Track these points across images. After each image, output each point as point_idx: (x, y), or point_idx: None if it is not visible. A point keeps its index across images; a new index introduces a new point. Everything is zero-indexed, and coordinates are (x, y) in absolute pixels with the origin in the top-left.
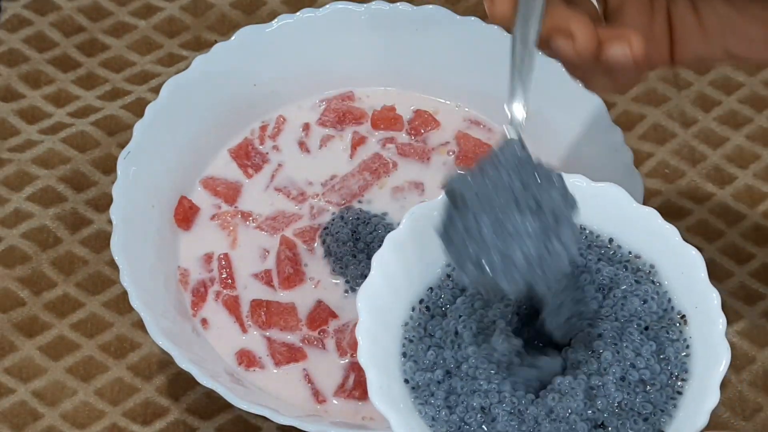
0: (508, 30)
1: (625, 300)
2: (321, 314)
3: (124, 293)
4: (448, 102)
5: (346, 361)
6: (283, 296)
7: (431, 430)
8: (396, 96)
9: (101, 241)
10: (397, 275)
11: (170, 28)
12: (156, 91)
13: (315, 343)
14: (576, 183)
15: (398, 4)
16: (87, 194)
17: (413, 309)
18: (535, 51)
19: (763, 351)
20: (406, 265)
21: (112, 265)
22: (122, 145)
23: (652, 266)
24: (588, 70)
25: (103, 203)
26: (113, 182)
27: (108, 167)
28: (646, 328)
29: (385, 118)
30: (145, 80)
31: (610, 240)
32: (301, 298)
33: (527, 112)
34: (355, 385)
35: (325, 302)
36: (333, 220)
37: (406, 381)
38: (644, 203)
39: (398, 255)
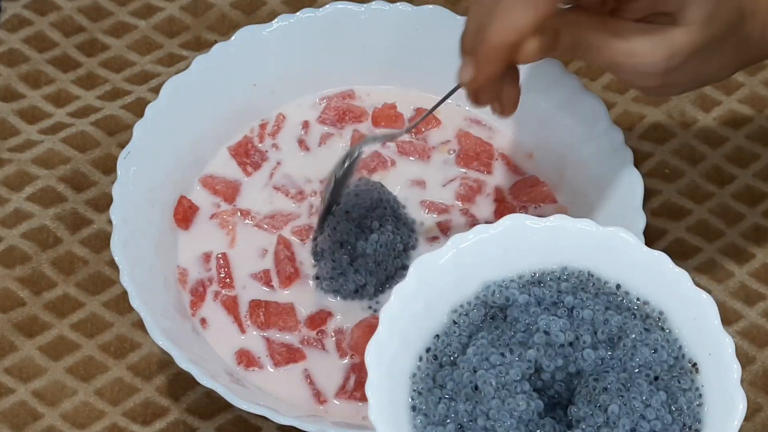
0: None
1: (635, 350)
2: (320, 315)
3: (124, 293)
4: (449, 101)
5: (347, 362)
6: (283, 295)
7: None
8: (397, 94)
9: (101, 241)
10: (405, 327)
11: (170, 28)
12: (156, 91)
13: (314, 343)
14: (583, 228)
15: (398, 4)
16: (87, 194)
17: (420, 359)
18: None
19: (763, 351)
20: (412, 315)
21: (112, 265)
22: (122, 145)
23: (661, 312)
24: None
25: (103, 203)
26: (113, 182)
27: (108, 167)
28: (656, 378)
29: (386, 116)
30: (145, 80)
31: (618, 286)
32: (301, 298)
33: None
34: (356, 386)
35: (324, 302)
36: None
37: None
38: (644, 203)
39: (406, 307)
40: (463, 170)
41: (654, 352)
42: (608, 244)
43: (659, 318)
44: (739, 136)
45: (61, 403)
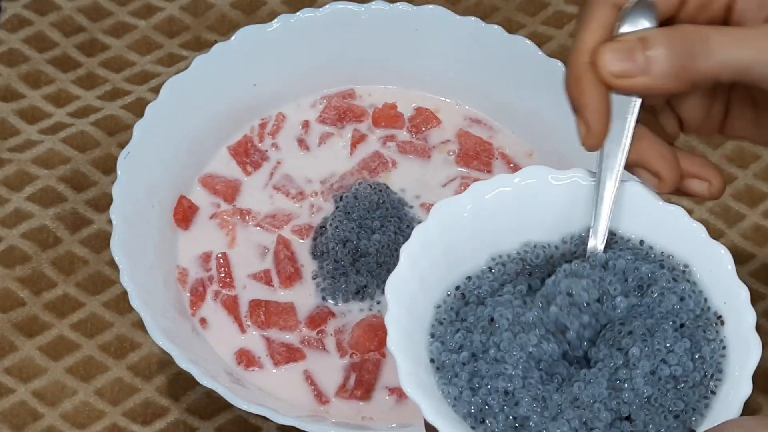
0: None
1: (663, 297)
2: (320, 314)
3: (124, 293)
4: (449, 100)
5: (347, 361)
6: (283, 295)
7: (453, 410)
8: (397, 94)
9: (101, 241)
10: (427, 265)
11: (170, 28)
12: (156, 91)
13: (314, 344)
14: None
15: (398, 4)
16: (87, 194)
17: (448, 294)
18: (617, 182)
19: (763, 351)
20: (435, 256)
21: (112, 265)
22: (122, 145)
23: (686, 265)
24: None
25: (103, 203)
26: (113, 182)
27: (108, 167)
28: (682, 326)
29: (386, 116)
30: (145, 80)
31: (641, 242)
32: (301, 298)
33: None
34: (357, 385)
35: (324, 302)
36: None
37: (432, 360)
38: None
39: (426, 249)
40: (464, 170)
41: (681, 300)
42: (626, 197)
43: (684, 270)
44: None
45: (61, 403)
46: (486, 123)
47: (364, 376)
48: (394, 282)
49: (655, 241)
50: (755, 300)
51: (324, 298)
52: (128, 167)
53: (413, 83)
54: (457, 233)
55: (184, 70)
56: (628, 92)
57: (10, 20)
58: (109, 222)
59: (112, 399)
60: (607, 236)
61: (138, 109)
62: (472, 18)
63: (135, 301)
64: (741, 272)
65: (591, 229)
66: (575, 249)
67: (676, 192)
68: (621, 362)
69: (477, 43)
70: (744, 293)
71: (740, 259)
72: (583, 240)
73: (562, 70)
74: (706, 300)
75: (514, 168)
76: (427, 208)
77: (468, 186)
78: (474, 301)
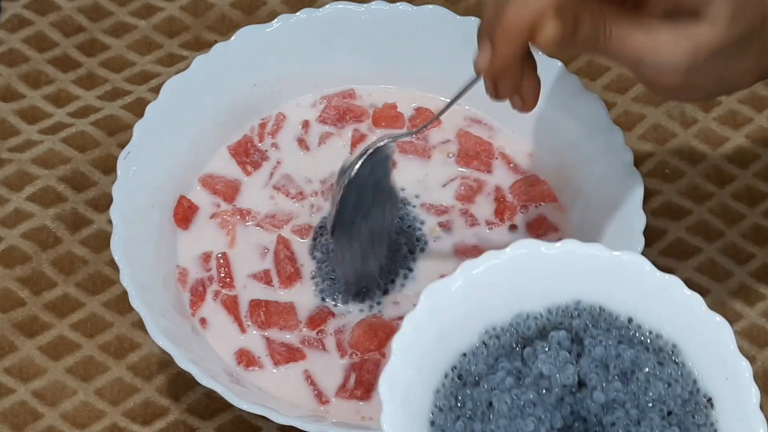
0: None
1: (648, 384)
2: (320, 314)
3: (124, 293)
4: (449, 100)
5: (347, 361)
6: (283, 295)
7: None
8: (397, 94)
9: (101, 241)
10: (421, 351)
11: (170, 28)
12: (156, 91)
13: (314, 344)
14: (594, 253)
15: (398, 4)
16: (87, 194)
17: (446, 375)
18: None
19: (763, 351)
20: (428, 340)
21: (112, 265)
22: (122, 145)
23: (674, 345)
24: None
25: (103, 203)
26: (113, 182)
27: (108, 167)
28: (669, 413)
29: (387, 116)
30: (145, 80)
31: (630, 320)
32: (300, 297)
33: None
34: (357, 385)
35: (324, 302)
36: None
37: None
38: (644, 203)
39: (419, 334)
40: (464, 170)
41: (668, 387)
42: (620, 270)
43: (672, 351)
44: (740, 136)
45: (61, 403)
46: (486, 123)
47: (364, 376)
48: (387, 376)
49: (645, 319)
50: (755, 300)
51: (323, 299)
52: (128, 167)
53: (413, 83)
54: (450, 313)
55: (184, 70)
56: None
57: (10, 20)
58: (109, 222)
59: (112, 399)
60: (595, 312)
61: (138, 109)
62: (472, 18)
63: (135, 302)
64: (741, 272)
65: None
66: (561, 320)
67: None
68: None
69: (476, 44)
70: (746, 369)
71: (740, 259)
72: (567, 312)
73: (562, 70)
74: (695, 382)
75: (515, 168)
76: (427, 207)
77: (468, 185)
78: (471, 382)
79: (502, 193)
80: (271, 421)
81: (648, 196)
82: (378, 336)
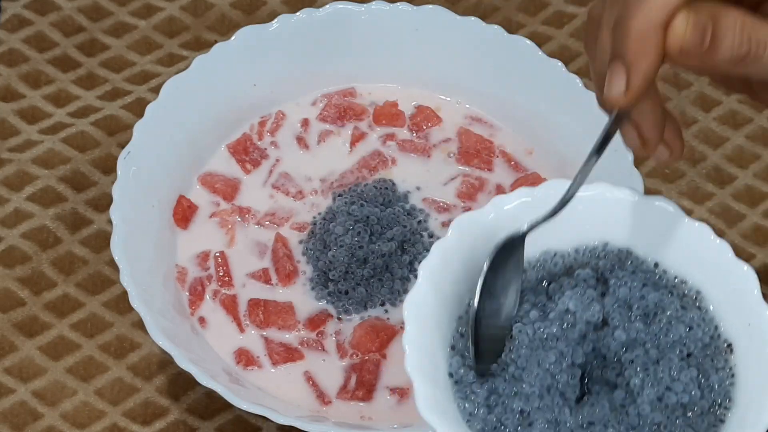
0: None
1: (670, 326)
2: (320, 316)
3: (124, 293)
4: (449, 99)
5: (347, 362)
6: (282, 293)
7: (467, 425)
8: (398, 92)
9: (101, 241)
10: (447, 279)
11: (170, 28)
12: (156, 91)
13: (314, 345)
14: (624, 198)
15: (398, 4)
16: (87, 194)
17: (469, 304)
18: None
19: None
20: (455, 270)
21: (112, 265)
22: (122, 145)
23: (698, 292)
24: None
25: (103, 203)
26: (113, 182)
27: (108, 167)
28: (689, 355)
29: (387, 114)
30: (145, 80)
31: (656, 264)
32: (299, 296)
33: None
34: (358, 386)
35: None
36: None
37: (450, 375)
38: None
39: (446, 263)
40: (464, 168)
41: (689, 330)
42: (649, 215)
43: (696, 297)
44: (740, 136)
45: (61, 403)
46: (486, 121)
47: (365, 377)
48: (412, 300)
49: (671, 264)
50: None
51: (326, 304)
52: (128, 167)
53: (414, 82)
54: (478, 245)
55: (184, 70)
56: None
57: (10, 20)
58: (109, 222)
59: (112, 399)
60: (622, 255)
61: (138, 109)
62: (472, 18)
63: (135, 302)
64: None
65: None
66: (587, 260)
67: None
68: (623, 391)
69: (477, 43)
70: None
71: (741, 259)
72: (594, 253)
73: (562, 70)
74: (716, 328)
75: (515, 166)
76: (429, 202)
77: (468, 184)
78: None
79: (503, 192)
80: (271, 421)
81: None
82: (380, 337)
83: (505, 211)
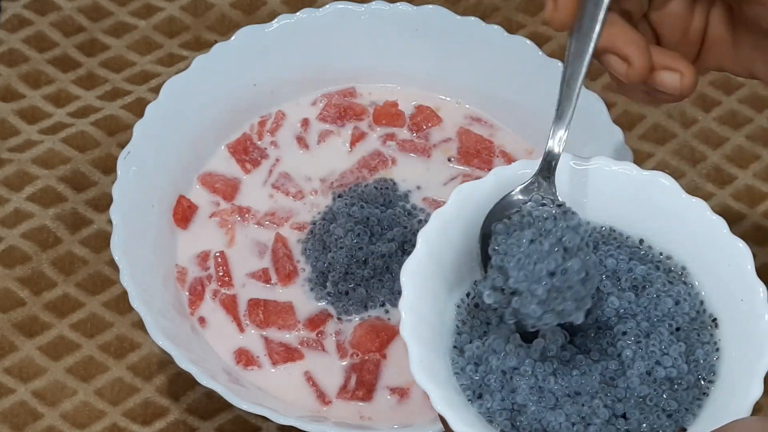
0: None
1: (659, 300)
2: (320, 316)
3: (124, 293)
4: (449, 99)
5: (347, 362)
6: (282, 293)
7: (455, 378)
8: (398, 92)
9: (101, 241)
10: (444, 252)
11: (170, 28)
12: (156, 91)
13: (313, 345)
14: (622, 171)
15: (398, 4)
16: (87, 194)
17: (467, 295)
18: (586, 66)
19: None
20: (453, 238)
21: (112, 265)
22: (122, 145)
23: (683, 267)
24: (632, 86)
25: (103, 203)
26: (113, 182)
27: (108, 167)
28: (678, 329)
29: (388, 114)
30: (145, 80)
31: (641, 241)
32: (299, 295)
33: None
34: (358, 386)
35: (323, 303)
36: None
37: (454, 346)
38: None
39: (445, 232)
40: (464, 168)
41: (677, 304)
42: (645, 189)
43: (681, 273)
44: (740, 136)
45: (61, 403)
46: (486, 121)
47: (365, 377)
48: (410, 266)
49: (657, 240)
50: None
51: (326, 304)
52: (128, 167)
53: (414, 82)
54: (478, 214)
55: (184, 70)
56: None
57: (10, 20)
58: (109, 222)
59: (112, 399)
60: (605, 232)
61: (138, 109)
62: (472, 18)
63: (135, 302)
64: None
65: (554, 116)
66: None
67: (648, 87)
68: (615, 362)
69: (477, 43)
70: (762, 291)
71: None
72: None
73: (562, 70)
74: (701, 303)
75: None
76: (430, 202)
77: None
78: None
79: None
80: (272, 422)
81: None
82: (380, 337)
83: (505, 179)
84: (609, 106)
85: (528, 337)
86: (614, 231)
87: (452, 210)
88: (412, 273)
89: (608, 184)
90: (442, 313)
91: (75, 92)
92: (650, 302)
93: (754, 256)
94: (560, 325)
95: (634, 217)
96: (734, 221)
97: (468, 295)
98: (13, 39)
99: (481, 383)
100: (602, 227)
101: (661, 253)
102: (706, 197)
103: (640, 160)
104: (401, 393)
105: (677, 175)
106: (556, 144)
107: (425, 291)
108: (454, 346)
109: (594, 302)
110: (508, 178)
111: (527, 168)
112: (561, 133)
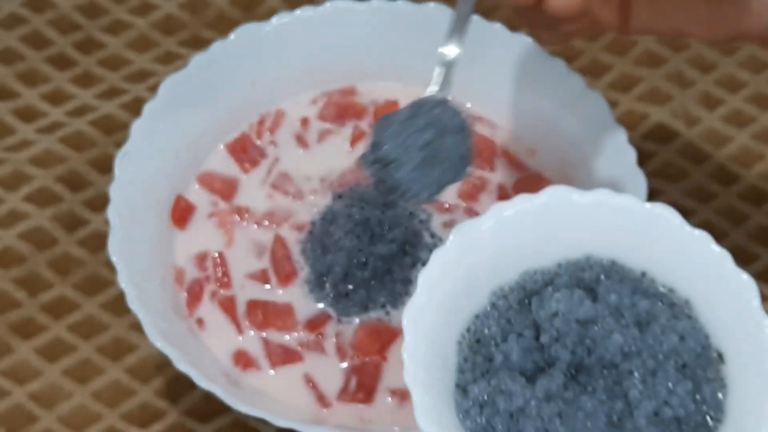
0: None
1: (664, 336)
2: (319, 317)
3: (121, 294)
4: (450, 98)
5: (347, 364)
6: (281, 294)
7: (460, 422)
8: (398, 91)
9: (98, 241)
10: (445, 292)
11: (168, 26)
12: (153, 89)
13: (313, 346)
14: (624, 205)
15: (399, 2)
16: (84, 194)
17: (468, 330)
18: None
19: None
20: (455, 279)
21: (109, 266)
22: (119, 145)
23: (686, 301)
24: (533, 20)
25: (100, 203)
26: (110, 182)
27: (105, 167)
28: (684, 366)
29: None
30: (142, 79)
31: (643, 273)
32: (298, 297)
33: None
34: (358, 388)
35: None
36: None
37: (457, 386)
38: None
39: (446, 273)
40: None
41: (682, 340)
42: (648, 222)
43: (685, 306)
44: (744, 135)
45: (58, 406)
46: (488, 120)
47: (366, 379)
48: (412, 310)
49: (660, 272)
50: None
51: (324, 306)
52: (125, 167)
53: (414, 80)
54: (478, 253)
55: (181, 68)
56: None
57: (6, 18)
58: (106, 222)
59: (109, 401)
60: (608, 265)
61: (135, 108)
62: (474, 16)
63: (133, 303)
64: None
65: (446, 36)
66: (570, 273)
67: (546, 19)
68: (622, 402)
69: (477, 42)
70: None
71: (745, 259)
72: (578, 265)
73: (564, 68)
74: (707, 337)
75: (517, 165)
76: (430, 203)
77: (470, 184)
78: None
79: (505, 191)
80: (271, 424)
81: (652, 196)
82: (381, 339)
83: (505, 218)
84: (612, 105)
85: (532, 377)
86: (616, 264)
87: (452, 249)
88: (414, 318)
89: (610, 217)
90: (444, 352)
91: (71, 91)
92: (655, 339)
93: (759, 256)
94: (563, 364)
95: (636, 250)
96: (739, 221)
97: (468, 330)
98: (9, 37)
99: (487, 426)
100: (604, 260)
101: (663, 286)
102: (711, 197)
103: (644, 159)
104: (402, 395)
105: (682, 175)
106: (447, 52)
107: (427, 334)
108: (457, 385)
109: (594, 338)
110: (509, 215)
111: (527, 203)
112: (452, 47)
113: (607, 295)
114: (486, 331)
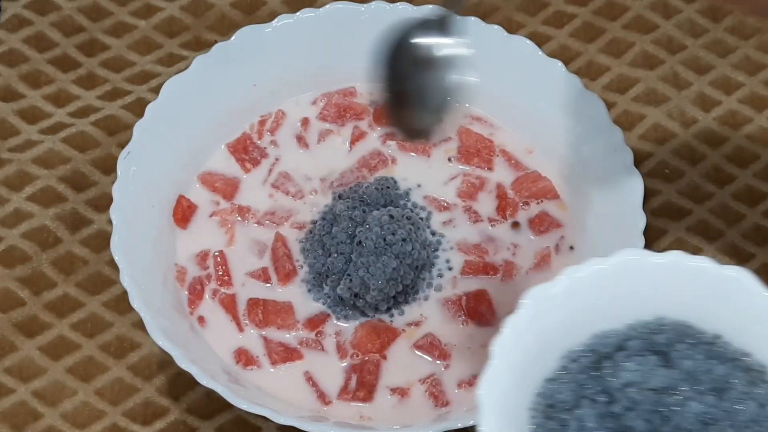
0: None
1: (742, 403)
2: (319, 317)
3: (124, 293)
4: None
5: (347, 362)
6: (281, 293)
7: None
8: None
9: (101, 241)
10: (518, 359)
11: (170, 28)
12: (156, 91)
13: (313, 345)
14: (698, 266)
15: (398, 4)
16: (87, 194)
17: (538, 395)
18: None
19: None
20: (525, 349)
21: (112, 265)
22: (122, 145)
23: (762, 366)
24: None
25: (103, 203)
26: (113, 182)
27: (108, 167)
28: None
29: None
30: (145, 80)
31: (717, 336)
32: (299, 295)
33: None
34: (359, 387)
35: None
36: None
37: None
38: (644, 203)
39: (519, 340)
40: (465, 167)
41: (761, 407)
42: (723, 285)
43: (761, 371)
44: (739, 136)
45: (61, 403)
46: (487, 121)
47: (366, 377)
48: (487, 384)
49: (734, 336)
50: None
51: (325, 306)
52: (128, 167)
53: None
54: (550, 317)
55: (184, 70)
56: None
57: (10, 20)
58: (109, 222)
59: (112, 399)
60: (681, 327)
61: (138, 109)
62: (472, 18)
63: (135, 302)
64: None
65: None
66: (642, 335)
67: None
68: None
69: (477, 43)
70: None
71: (740, 259)
72: (650, 327)
73: (562, 70)
74: None
75: (516, 165)
76: (430, 200)
77: (469, 184)
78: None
79: (503, 190)
80: (271, 421)
81: (648, 196)
82: (381, 338)
83: (578, 280)
84: (609, 105)
85: None
86: (690, 327)
87: (524, 316)
88: (490, 390)
89: (683, 278)
90: (517, 422)
91: (75, 92)
92: (733, 406)
93: (754, 255)
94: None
95: (709, 313)
96: (734, 221)
97: (539, 394)
98: (13, 39)
99: None
100: (676, 322)
101: (739, 351)
102: (707, 197)
103: (640, 160)
104: (402, 393)
105: (677, 175)
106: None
107: (502, 405)
108: None
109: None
110: (581, 276)
111: (601, 264)
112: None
113: (681, 361)
114: (558, 395)
